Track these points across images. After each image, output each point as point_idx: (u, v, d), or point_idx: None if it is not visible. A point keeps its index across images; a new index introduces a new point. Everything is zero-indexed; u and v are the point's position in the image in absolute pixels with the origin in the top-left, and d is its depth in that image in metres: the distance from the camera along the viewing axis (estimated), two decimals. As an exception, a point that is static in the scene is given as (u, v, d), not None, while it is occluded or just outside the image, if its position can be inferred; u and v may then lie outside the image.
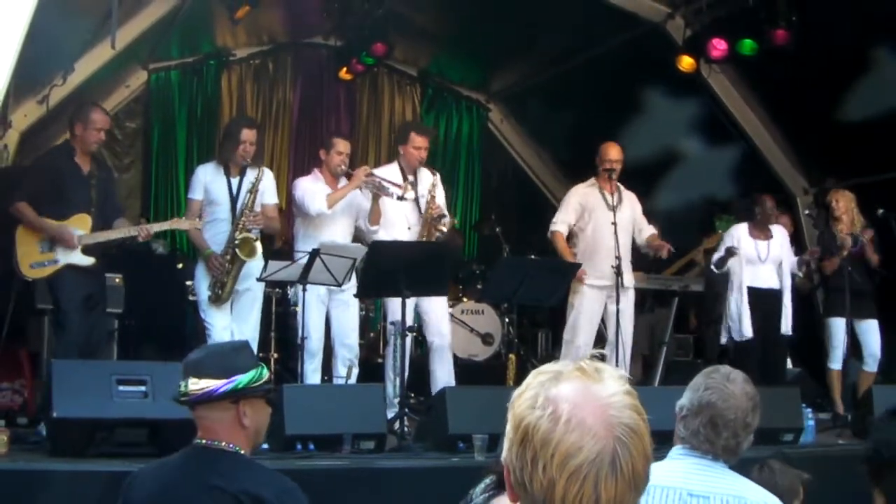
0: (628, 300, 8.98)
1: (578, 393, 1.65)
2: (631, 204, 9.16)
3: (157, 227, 7.80)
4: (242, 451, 3.41)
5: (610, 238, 8.85)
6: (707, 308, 10.63)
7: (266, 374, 3.50)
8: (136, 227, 7.65)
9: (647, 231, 9.22)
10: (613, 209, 8.92)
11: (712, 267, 9.47)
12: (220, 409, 3.38)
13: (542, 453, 1.62)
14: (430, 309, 8.45)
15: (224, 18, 10.80)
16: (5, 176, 9.08)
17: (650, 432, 1.67)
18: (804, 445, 7.57)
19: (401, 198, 8.14)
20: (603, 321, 9.05)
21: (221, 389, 3.35)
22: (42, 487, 5.37)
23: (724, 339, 9.35)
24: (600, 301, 8.88)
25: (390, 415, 7.40)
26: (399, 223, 8.44)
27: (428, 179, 8.61)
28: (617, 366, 8.95)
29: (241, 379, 3.38)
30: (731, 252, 9.17)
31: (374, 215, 8.29)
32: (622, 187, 9.17)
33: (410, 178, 8.50)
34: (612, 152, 9.04)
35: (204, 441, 3.39)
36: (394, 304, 7.95)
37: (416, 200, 8.51)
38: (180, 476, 3.35)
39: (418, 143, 8.50)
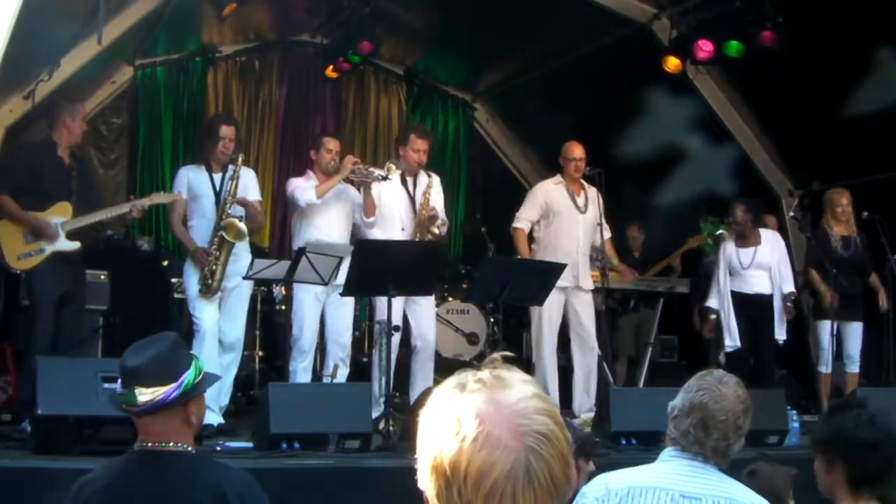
0: (584, 303, 8.99)
1: (482, 406, 1.57)
2: (595, 204, 9.14)
3: (145, 203, 7.71)
4: (190, 449, 3.33)
5: (572, 239, 8.92)
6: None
7: (201, 363, 3.41)
8: (126, 204, 7.68)
9: (605, 233, 9.21)
10: (581, 210, 8.97)
11: (716, 280, 9.46)
12: (171, 414, 3.26)
13: (454, 477, 1.55)
14: (416, 312, 8.45)
15: (211, 15, 10.78)
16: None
17: (566, 433, 1.60)
18: (789, 447, 7.57)
19: (385, 178, 8.14)
20: (566, 322, 9.05)
21: (173, 395, 3.23)
22: (27, 485, 5.35)
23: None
24: (559, 301, 8.86)
25: (375, 414, 7.39)
26: (394, 223, 8.46)
27: (424, 182, 8.62)
28: (605, 368, 9.06)
29: (188, 380, 3.27)
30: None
31: (369, 207, 8.31)
32: (586, 185, 9.18)
33: (410, 180, 8.54)
34: (577, 150, 9.05)
35: (149, 444, 3.28)
36: (381, 304, 7.94)
37: (413, 202, 8.52)
38: (141, 487, 3.25)
39: (418, 146, 8.51)
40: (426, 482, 1.61)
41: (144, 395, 3.21)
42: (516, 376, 1.63)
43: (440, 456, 1.57)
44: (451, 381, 1.65)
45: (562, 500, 1.59)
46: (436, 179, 8.75)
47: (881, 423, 3.35)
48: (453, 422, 1.57)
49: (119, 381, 3.28)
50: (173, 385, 3.23)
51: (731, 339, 9.17)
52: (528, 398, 1.59)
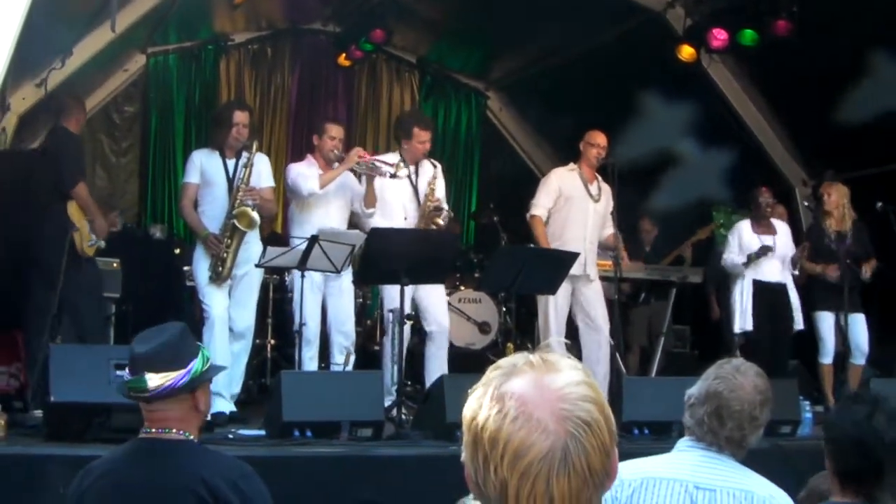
0: (593, 290, 8.95)
1: (528, 387, 1.59)
2: (607, 197, 9.10)
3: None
4: (192, 437, 3.36)
5: (582, 227, 8.86)
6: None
7: (207, 352, 3.46)
8: None
9: (608, 230, 9.17)
10: (595, 199, 8.93)
11: (731, 262, 9.43)
12: (178, 400, 3.32)
13: (492, 454, 1.56)
14: (427, 299, 8.40)
15: (223, 3, 10.79)
16: (8, 159, 9.03)
17: (611, 424, 1.62)
18: (801, 438, 7.55)
19: (393, 175, 8.11)
20: (573, 312, 9.00)
21: (181, 382, 3.28)
22: (39, 472, 5.36)
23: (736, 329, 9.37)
24: (566, 290, 8.76)
25: (388, 402, 7.38)
26: (397, 213, 8.41)
27: (429, 172, 8.58)
28: (617, 358, 9.03)
29: (196, 367, 3.33)
30: (766, 250, 9.22)
31: (370, 198, 8.27)
32: (600, 178, 9.13)
33: (412, 168, 8.48)
34: (601, 138, 8.98)
35: (153, 430, 3.33)
36: (392, 292, 7.90)
37: (416, 191, 8.49)
38: (134, 475, 3.29)
39: (423, 138, 8.47)
40: (467, 458, 1.63)
41: (154, 380, 3.27)
42: (567, 362, 1.64)
43: (482, 431, 1.59)
44: (503, 361, 1.67)
45: (598, 489, 1.61)
46: (439, 169, 8.71)
47: (879, 423, 3.24)
48: (497, 399, 1.59)
49: (128, 369, 3.34)
50: (182, 371, 3.30)
51: (744, 323, 9.17)
52: (576, 384, 1.61)
